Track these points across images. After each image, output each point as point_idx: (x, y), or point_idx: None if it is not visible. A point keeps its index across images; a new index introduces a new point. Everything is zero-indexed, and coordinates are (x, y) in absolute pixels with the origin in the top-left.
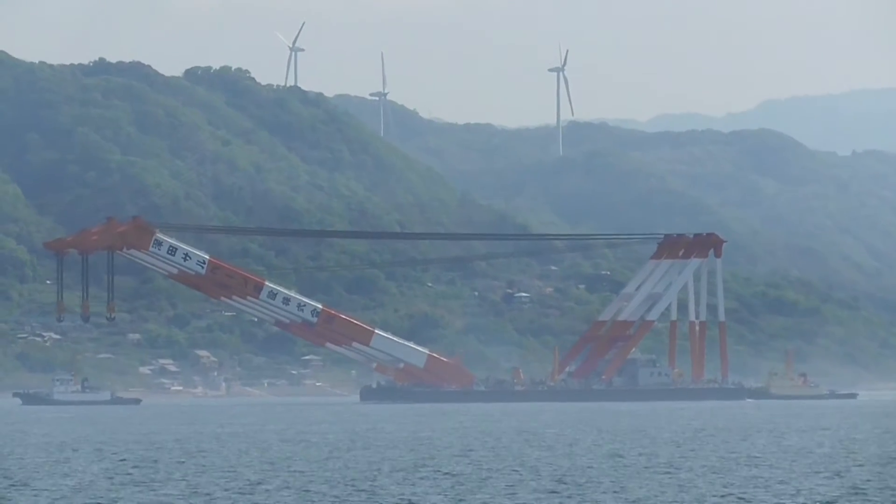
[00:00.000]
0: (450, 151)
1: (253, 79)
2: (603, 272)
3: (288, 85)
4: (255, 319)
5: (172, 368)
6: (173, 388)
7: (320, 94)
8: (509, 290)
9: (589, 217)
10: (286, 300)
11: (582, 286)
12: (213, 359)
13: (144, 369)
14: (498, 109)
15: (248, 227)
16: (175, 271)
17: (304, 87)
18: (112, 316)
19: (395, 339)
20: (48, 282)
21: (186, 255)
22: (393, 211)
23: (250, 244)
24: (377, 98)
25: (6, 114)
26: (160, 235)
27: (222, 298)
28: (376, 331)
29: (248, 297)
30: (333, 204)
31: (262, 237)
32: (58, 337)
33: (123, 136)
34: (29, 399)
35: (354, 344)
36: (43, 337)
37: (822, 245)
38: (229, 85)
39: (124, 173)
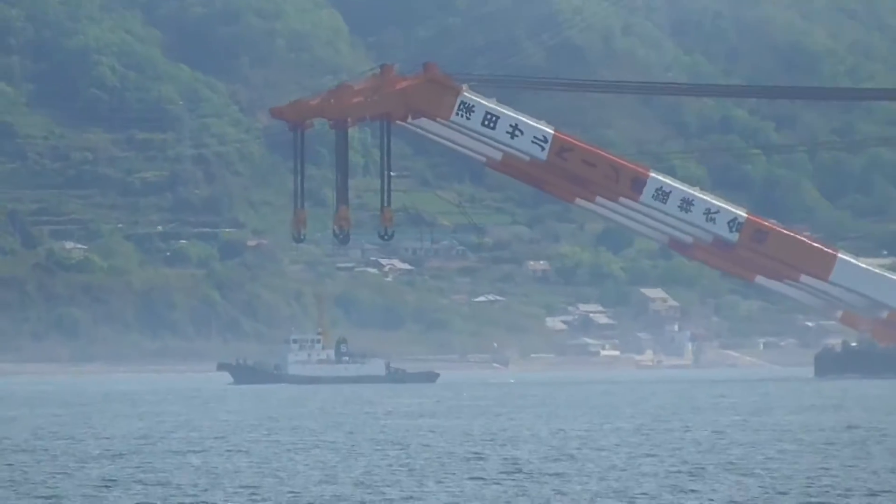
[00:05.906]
0: None
1: None
2: None
3: None
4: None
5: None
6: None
7: None
8: None
9: None
10: (686, 205)
11: None
12: None
13: None
14: None
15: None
16: (496, 156)
17: None
18: (389, 231)
19: (872, 269)
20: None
21: (515, 128)
22: None
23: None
24: None
25: None
26: (468, 95)
27: (577, 201)
28: (839, 254)
29: (621, 199)
30: None
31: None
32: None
33: None
34: (241, 375)
35: (803, 278)
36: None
37: None
38: None
39: None
